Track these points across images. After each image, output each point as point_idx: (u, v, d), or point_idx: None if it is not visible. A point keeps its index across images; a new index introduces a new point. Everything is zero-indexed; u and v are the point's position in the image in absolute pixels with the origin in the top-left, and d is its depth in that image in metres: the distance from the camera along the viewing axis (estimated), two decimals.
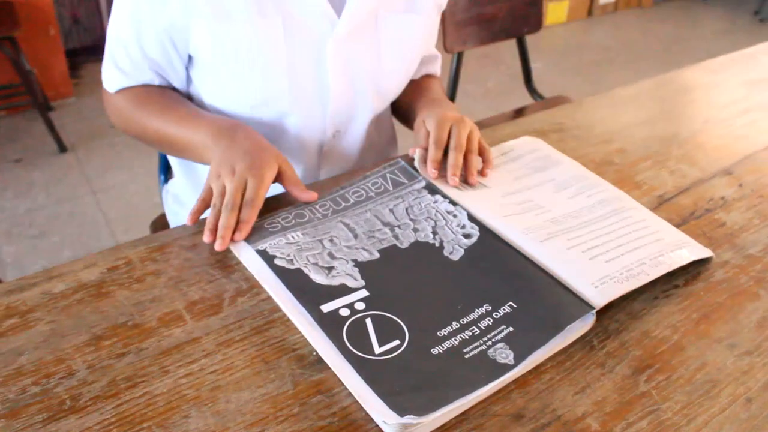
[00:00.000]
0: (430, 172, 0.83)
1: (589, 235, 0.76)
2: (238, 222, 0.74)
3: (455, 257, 0.73)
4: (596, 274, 0.69)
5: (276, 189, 0.92)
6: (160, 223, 1.34)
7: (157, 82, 0.92)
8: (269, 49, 0.85)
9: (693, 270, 0.75)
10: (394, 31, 0.93)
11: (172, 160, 1.08)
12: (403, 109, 1.05)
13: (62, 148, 2.69)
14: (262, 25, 0.83)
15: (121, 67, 0.91)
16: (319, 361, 0.61)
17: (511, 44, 1.92)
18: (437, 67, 1.10)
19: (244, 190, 0.75)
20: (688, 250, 0.75)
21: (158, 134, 0.90)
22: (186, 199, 1.05)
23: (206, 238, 0.73)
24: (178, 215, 1.07)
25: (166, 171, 1.46)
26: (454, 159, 0.83)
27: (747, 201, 0.88)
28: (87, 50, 3.49)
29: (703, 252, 0.76)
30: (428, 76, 1.09)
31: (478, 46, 1.71)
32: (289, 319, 0.65)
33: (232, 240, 0.73)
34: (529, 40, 1.89)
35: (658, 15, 4.53)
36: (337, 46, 0.87)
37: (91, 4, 3.41)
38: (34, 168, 2.59)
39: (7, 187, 2.46)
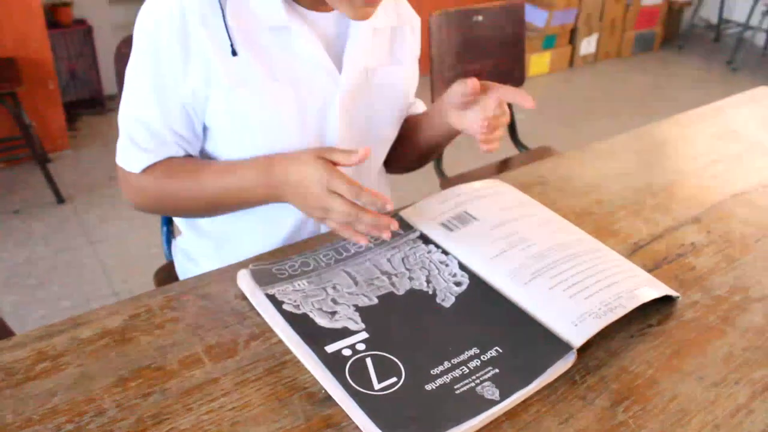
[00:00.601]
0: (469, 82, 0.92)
1: (570, 271, 0.82)
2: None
3: (447, 304, 0.80)
4: (576, 311, 0.76)
5: (279, 242, 0.99)
6: (164, 273, 1.40)
7: (181, 153, 0.96)
8: (282, 110, 0.92)
9: (665, 311, 0.82)
10: (383, 83, 1.01)
11: (178, 219, 1.14)
12: (409, 139, 1.11)
13: (60, 200, 2.76)
14: (275, 89, 0.91)
15: (143, 146, 0.94)
16: (328, 397, 0.67)
17: None
18: (423, 108, 1.18)
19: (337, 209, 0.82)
20: (657, 290, 0.82)
21: (192, 194, 0.93)
22: (195, 256, 1.10)
23: (362, 240, 0.84)
24: (189, 271, 1.11)
25: (168, 222, 1.53)
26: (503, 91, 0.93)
27: (715, 246, 0.96)
28: (84, 103, 3.59)
29: (673, 292, 0.83)
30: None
31: None
32: (299, 361, 0.71)
33: (390, 232, 0.83)
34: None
35: (636, 65, 4.71)
36: (342, 100, 0.96)
37: (87, 59, 3.52)
38: (32, 219, 2.65)
39: (6, 238, 2.52)
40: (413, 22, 1.09)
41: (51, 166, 2.87)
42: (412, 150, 1.13)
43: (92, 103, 3.61)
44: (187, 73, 0.90)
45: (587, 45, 4.55)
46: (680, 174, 1.17)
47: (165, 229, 1.53)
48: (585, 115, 3.85)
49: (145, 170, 0.95)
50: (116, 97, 3.31)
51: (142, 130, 0.93)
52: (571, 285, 0.80)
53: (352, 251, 0.89)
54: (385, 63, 1.02)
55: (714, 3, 5.14)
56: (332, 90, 0.95)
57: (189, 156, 0.98)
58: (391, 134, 1.07)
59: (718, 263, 0.92)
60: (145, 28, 0.91)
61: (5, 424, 0.63)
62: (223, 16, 0.88)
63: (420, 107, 1.16)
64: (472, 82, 0.91)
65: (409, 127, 1.11)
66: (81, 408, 0.65)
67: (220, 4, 0.89)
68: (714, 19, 5.21)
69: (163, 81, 0.91)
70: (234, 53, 0.89)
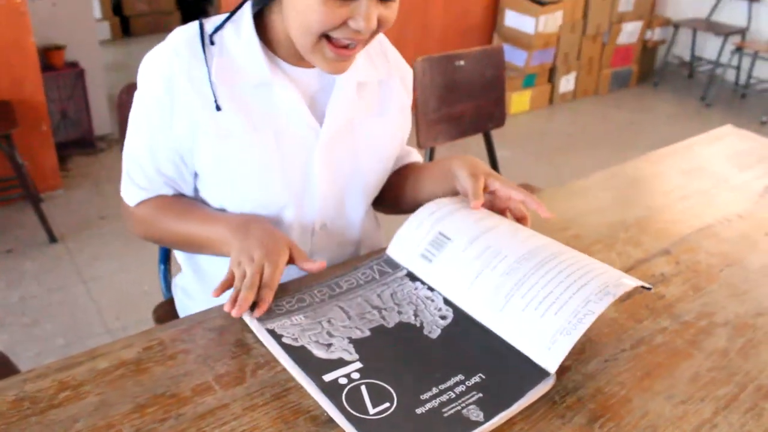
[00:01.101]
0: (474, 205, 0.97)
1: (541, 282, 0.85)
2: (256, 300, 0.87)
3: (433, 336, 0.87)
4: (548, 333, 0.81)
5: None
6: (163, 310, 1.45)
7: (171, 192, 1.06)
8: (264, 160, 0.99)
9: (637, 336, 0.89)
10: (368, 134, 1.08)
11: (179, 256, 1.20)
12: (403, 191, 1.16)
13: (52, 239, 2.80)
14: (257, 140, 0.99)
15: (138, 183, 1.04)
16: (330, 420, 0.73)
17: (478, 136, 2.12)
18: (418, 157, 1.25)
19: (262, 273, 0.88)
20: (628, 279, 0.86)
21: (179, 236, 1.03)
22: (194, 293, 1.17)
23: (227, 307, 0.86)
24: (189, 308, 1.17)
25: (165, 261, 1.59)
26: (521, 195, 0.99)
27: (683, 276, 1.04)
28: (74, 144, 3.65)
29: (640, 283, 0.86)
30: (414, 163, 1.23)
31: (448, 142, 1.89)
32: (302, 387, 0.77)
33: (253, 315, 0.86)
34: (496, 129, 2.08)
35: (613, 102, 4.86)
36: (321, 152, 1.02)
37: (79, 100, 3.60)
38: (25, 258, 2.69)
39: None
40: (404, 73, 1.14)
41: (43, 205, 2.92)
42: (410, 197, 1.15)
43: (83, 143, 3.67)
44: (173, 126, 0.98)
45: (566, 83, 4.70)
46: (651, 209, 1.25)
47: (162, 267, 1.59)
48: (565, 150, 3.97)
49: (138, 204, 1.06)
50: (106, 138, 3.42)
51: (138, 169, 1.04)
52: (542, 299, 0.83)
53: (345, 288, 0.96)
54: (370, 115, 1.08)
55: (686, 41, 5.33)
56: (313, 142, 1.02)
57: (180, 195, 1.07)
58: (376, 183, 1.13)
59: (685, 292, 1.00)
60: (140, 80, 1.01)
61: None
62: (209, 73, 0.96)
63: (414, 156, 1.23)
64: (476, 206, 0.98)
65: (406, 176, 1.16)
66: None
67: (206, 62, 0.97)
68: (687, 57, 5.40)
69: (153, 130, 1.00)
70: (218, 108, 0.97)
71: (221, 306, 0.91)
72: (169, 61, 0.97)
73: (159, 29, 6.19)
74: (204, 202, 1.08)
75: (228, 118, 0.98)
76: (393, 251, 1.03)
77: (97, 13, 5.60)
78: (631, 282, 0.84)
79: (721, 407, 0.78)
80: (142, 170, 1.04)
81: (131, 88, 1.38)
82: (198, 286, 1.15)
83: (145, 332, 0.87)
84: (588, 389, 0.80)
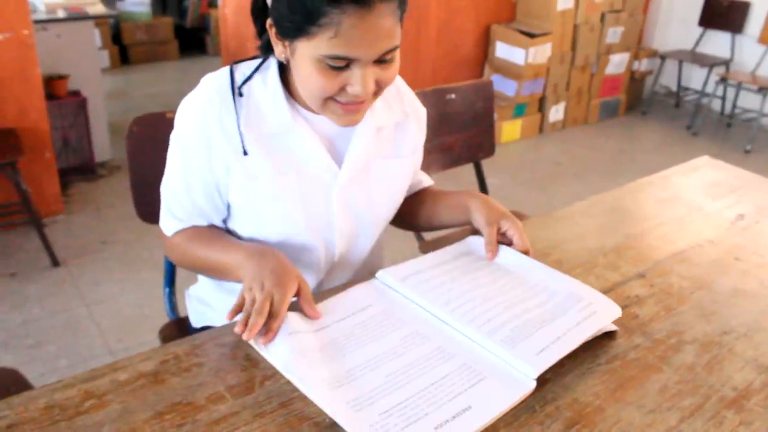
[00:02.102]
0: (489, 257, 1.13)
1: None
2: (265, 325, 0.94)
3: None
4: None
5: None
6: (169, 330, 1.52)
7: (205, 223, 1.14)
8: (288, 199, 1.09)
9: (612, 352, 0.98)
10: (383, 174, 1.16)
11: None
12: (419, 215, 1.29)
13: (55, 263, 2.87)
14: (282, 183, 1.08)
15: (176, 215, 1.13)
16: (333, 425, 0.81)
17: (470, 165, 2.21)
18: (431, 182, 1.35)
19: (272, 301, 0.95)
20: (602, 316, 1.00)
21: (204, 262, 1.11)
22: (210, 301, 1.26)
23: (238, 329, 0.93)
24: (204, 315, 1.27)
25: (170, 284, 1.66)
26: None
27: (656, 297, 1.12)
28: (75, 170, 3.73)
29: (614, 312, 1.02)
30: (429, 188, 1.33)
31: (439, 171, 1.98)
32: (306, 397, 0.85)
33: (259, 342, 0.93)
34: (488, 158, 2.17)
35: (602, 131, 4.99)
36: (340, 192, 1.11)
37: (80, 128, 3.68)
38: (28, 282, 2.75)
39: (3, 300, 2.62)
40: (419, 113, 1.23)
41: (45, 230, 2.99)
42: (425, 221, 1.29)
43: (84, 169, 3.75)
44: (212, 166, 1.07)
45: (555, 112, 4.83)
46: (629, 236, 1.34)
47: (167, 290, 1.66)
48: (555, 178, 4.08)
49: (176, 233, 1.14)
50: (106, 165, 3.50)
51: (176, 203, 1.12)
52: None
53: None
54: (386, 156, 1.16)
55: (673, 72, 5.48)
56: (332, 183, 1.11)
57: (211, 226, 1.14)
58: (387, 217, 1.22)
59: (658, 312, 1.08)
60: (178, 123, 1.09)
61: None
62: (237, 120, 1.05)
63: (427, 181, 1.33)
64: (490, 258, 1.14)
65: (423, 201, 1.28)
66: None
67: (236, 110, 1.06)
68: (674, 87, 5.55)
69: (190, 169, 1.09)
70: (245, 153, 1.06)
71: (232, 324, 0.99)
72: (203, 108, 1.06)
73: (157, 58, 6.32)
74: (232, 233, 1.16)
75: (255, 162, 1.07)
76: (383, 276, 1.10)
77: (97, 41, 5.72)
78: (606, 320, 1.01)
79: (687, 416, 0.87)
80: (179, 203, 1.12)
81: (142, 120, 1.48)
82: (214, 293, 1.25)
83: (161, 347, 0.94)
84: (565, 399, 0.88)
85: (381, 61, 0.97)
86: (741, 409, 0.88)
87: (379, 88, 1.01)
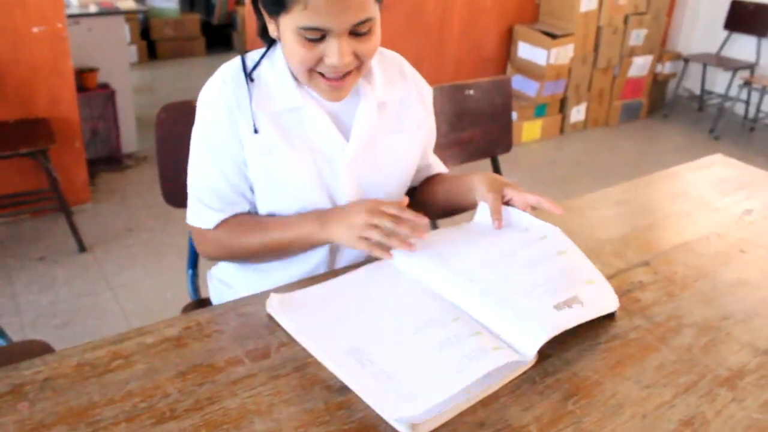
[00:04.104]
0: (496, 225, 1.16)
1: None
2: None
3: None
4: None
5: (302, 274, 1.19)
6: (190, 309, 1.58)
7: (247, 208, 1.19)
8: (302, 173, 1.15)
9: (612, 332, 1.02)
10: (389, 149, 1.23)
11: None
12: (435, 202, 1.33)
13: (82, 248, 2.96)
14: (296, 156, 1.14)
15: (212, 206, 1.17)
16: (343, 388, 0.86)
17: (487, 160, 2.25)
18: (444, 168, 1.40)
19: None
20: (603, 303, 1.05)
21: (265, 245, 1.15)
22: (230, 281, 1.31)
23: (388, 256, 1.06)
24: (223, 293, 1.33)
25: (194, 266, 1.72)
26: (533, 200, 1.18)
27: (659, 284, 1.16)
28: (103, 160, 3.83)
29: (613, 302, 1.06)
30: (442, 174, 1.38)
31: (457, 165, 2.03)
32: (319, 363, 0.91)
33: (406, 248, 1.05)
34: (508, 156, 2.21)
35: (623, 132, 4.99)
36: (349, 165, 1.17)
37: (108, 120, 3.79)
38: (56, 265, 2.84)
39: (32, 282, 2.71)
40: (422, 90, 1.30)
41: (73, 217, 3.08)
42: (434, 203, 1.34)
43: (110, 160, 3.85)
44: (236, 141, 1.13)
45: (576, 113, 4.85)
46: (636, 227, 1.38)
47: (190, 272, 1.73)
48: (574, 179, 4.10)
49: (217, 226, 1.17)
50: (133, 156, 3.60)
51: (209, 194, 1.16)
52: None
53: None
54: (391, 131, 1.23)
55: (696, 75, 5.47)
56: (340, 157, 1.17)
57: (250, 213, 1.20)
58: (398, 192, 1.27)
59: (660, 297, 1.12)
60: (200, 110, 1.16)
61: (93, 402, 0.83)
62: (250, 101, 1.12)
63: (441, 167, 1.38)
64: (497, 226, 1.16)
65: (436, 188, 1.33)
66: (151, 392, 0.84)
67: (249, 93, 1.13)
68: (697, 90, 5.54)
69: (219, 151, 1.14)
70: (255, 131, 1.13)
71: (251, 296, 1.05)
72: (221, 89, 1.13)
73: (184, 54, 6.44)
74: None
75: (269, 139, 1.13)
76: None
77: (127, 36, 5.85)
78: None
79: (681, 392, 0.91)
80: (215, 193, 1.16)
81: (169, 108, 1.54)
82: (236, 275, 1.30)
83: (184, 315, 1.01)
84: (565, 373, 0.92)
85: (356, 33, 1.04)
86: (734, 387, 0.92)
87: (359, 60, 1.08)
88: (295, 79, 1.15)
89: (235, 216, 1.18)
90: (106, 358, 0.90)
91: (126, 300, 2.63)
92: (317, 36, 1.02)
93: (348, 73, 1.08)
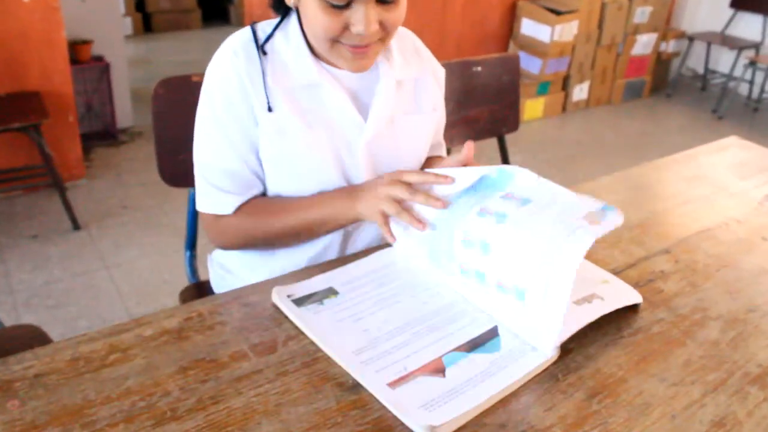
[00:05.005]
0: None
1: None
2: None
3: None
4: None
5: (306, 259, 1.14)
6: (189, 293, 1.53)
7: (263, 190, 1.12)
8: (318, 153, 1.08)
9: (635, 325, 0.97)
10: (407, 129, 1.17)
11: None
12: None
13: (76, 226, 2.90)
14: (310, 136, 1.07)
15: (227, 189, 1.09)
16: (356, 385, 0.81)
17: (493, 140, 2.19)
18: (443, 151, 1.34)
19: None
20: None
21: (289, 228, 1.08)
22: (232, 267, 1.25)
23: (419, 225, 1.00)
24: (225, 279, 1.26)
25: (192, 248, 1.67)
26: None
27: (681, 273, 1.11)
28: (97, 135, 3.75)
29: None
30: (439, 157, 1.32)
31: (463, 144, 1.97)
32: (329, 357, 0.86)
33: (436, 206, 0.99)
34: (510, 134, 2.15)
35: (626, 111, 4.93)
36: (366, 146, 1.11)
37: (103, 93, 3.70)
38: (50, 243, 2.78)
39: (25, 261, 2.65)
40: (436, 70, 1.24)
41: (67, 194, 3.01)
42: None
43: (105, 135, 3.77)
44: (251, 118, 1.06)
45: (579, 92, 4.77)
46: (654, 213, 1.32)
47: (188, 254, 1.67)
48: (577, 157, 4.04)
49: (235, 213, 1.10)
50: (128, 131, 3.53)
51: (225, 177, 1.08)
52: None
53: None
54: (409, 111, 1.17)
55: (700, 54, 5.39)
56: (358, 138, 1.11)
57: (266, 195, 1.13)
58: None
59: (683, 288, 1.07)
60: (209, 87, 1.08)
61: (89, 400, 0.77)
62: (264, 77, 1.05)
63: (440, 149, 1.32)
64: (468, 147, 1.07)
65: (428, 166, 1.24)
66: (150, 390, 0.79)
67: (262, 67, 1.05)
68: (701, 70, 5.46)
69: (235, 129, 1.06)
70: (270, 109, 1.05)
71: (255, 284, 1.00)
72: (232, 62, 1.05)
73: (180, 26, 6.32)
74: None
75: (284, 118, 1.06)
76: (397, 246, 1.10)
77: (121, 8, 5.72)
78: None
79: (710, 390, 0.86)
80: (229, 175, 1.08)
81: (168, 82, 1.47)
82: (237, 260, 1.24)
83: (185, 305, 0.95)
84: (588, 369, 0.87)
85: (383, 1, 0.98)
86: (765, 386, 0.87)
87: (385, 31, 1.02)
88: (312, 53, 1.08)
89: (255, 198, 1.12)
90: (102, 352, 0.85)
91: (122, 280, 2.58)
92: (343, 2, 0.96)
93: (370, 44, 1.02)
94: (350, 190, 1.08)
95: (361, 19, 0.97)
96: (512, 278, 0.92)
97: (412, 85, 1.18)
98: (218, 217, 1.12)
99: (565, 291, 0.85)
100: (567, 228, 0.90)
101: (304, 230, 1.10)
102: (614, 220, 0.94)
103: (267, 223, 1.10)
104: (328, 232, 1.12)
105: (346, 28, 0.99)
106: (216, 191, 1.10)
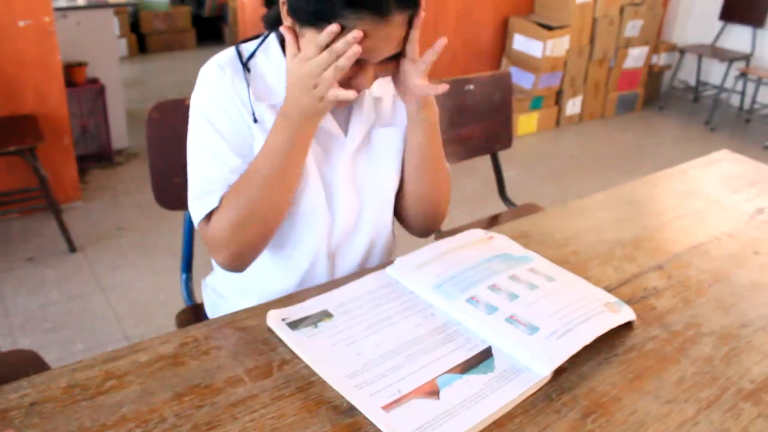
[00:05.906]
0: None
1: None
2: None
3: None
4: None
5: (296, 279, 1.14)
6: (185, 316, 1.53)
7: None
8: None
9: (629, 342, 0.98)
10: (384, 142, 1.17)
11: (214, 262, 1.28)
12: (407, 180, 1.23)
13: (72, 248, 2.89)
14: None
15: (214, 188, 1.06)
16: (351, 409, 0.81)
17: (487, 156, 2.20)
18: None
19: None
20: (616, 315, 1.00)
21: (266, 176, 1.03)
22: (225, 293, 1.25)
23: (352, 95, 0.94)
24: (218, 305, 1.27)
25: (187, 270, 1.67)
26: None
27: (673, 290, 1.12)
28: (93, 157, 3.76)
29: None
30: None
31: (456, 162, 1.98)
32: (324, 381, 0.86)
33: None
34: (504, 151, 2.16)
35: (619, 125, 4.95)
36: (345, 161, 1.12)
37: (98, 115, 3.71)
38: (46, 266, 2.78)
39: (21, 284, 2.65)
40: None
41: (63, 216, 3.01)
42: (409, 183, 1.22)
43: (100, 156, 3.78)
44: (243, 123, 1.08)
45: (572, 106, 4.80)
46: (647, 228, 1.33)
47: (184, 276, 1.67)
48: (571, 172, 4.06)
49: (217, 208, 1.06)
50: (123, 152, 3.53)
51: (215, 181, 1.06)
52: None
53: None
54: (386, 125, 1.18)
55: (692, 66, 5.43)
56: (340, 151, 1.12)
57: None
58: (391, 184, 1.21)
59: (676, 304, 1.08)
60: (200, 102, 1.08)
61: (84, 428, 0.77)
62: (248, 91, 1.07)
63: None
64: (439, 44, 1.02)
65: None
66: (146, 416, 0.79)
67: (247, 81, 1.08)
68: (692, 82, 5.50)
69: (227, 131, 1.07)
70: (255, 120, 1.07)
71: (250, 308, 1.00)
72: (219, 76, 1.07)
73: (175, 47, 6.35)
74: None
75: (266, 129, 1.07)
76: (392, 271, 1.11)
77: (116, 30, 5.75)
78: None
79: (704, 407, 0.86)
80: (227, 177, 1.06)
81: (162, 106, 1.48)
82: (228, 284, 1.24)
83: (180, 330, 0.95)
84: (582, 388, 0.88)
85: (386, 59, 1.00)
86: (759, 402, 0.88)
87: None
88: None
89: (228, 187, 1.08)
90: (97, 379, 0.85)
91: (118, 302, 2.57)
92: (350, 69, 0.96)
93: None
94: (280, 113, 1.02)
95: (363, 77, 0.98)
96: (530, 318, 0.97)
97: (390, 100, 1.19)
98: (210, 221, 1.07)
99: (582, 341, 0.93)
100: (593, 304, 1.01)
101: (278, 170, 1.03)
102: (628, 314, 1.02)
103: (245, 187, 1.04)
104: (303, 153, 1.05)
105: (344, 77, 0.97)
106: (206, 195, 1.07)
